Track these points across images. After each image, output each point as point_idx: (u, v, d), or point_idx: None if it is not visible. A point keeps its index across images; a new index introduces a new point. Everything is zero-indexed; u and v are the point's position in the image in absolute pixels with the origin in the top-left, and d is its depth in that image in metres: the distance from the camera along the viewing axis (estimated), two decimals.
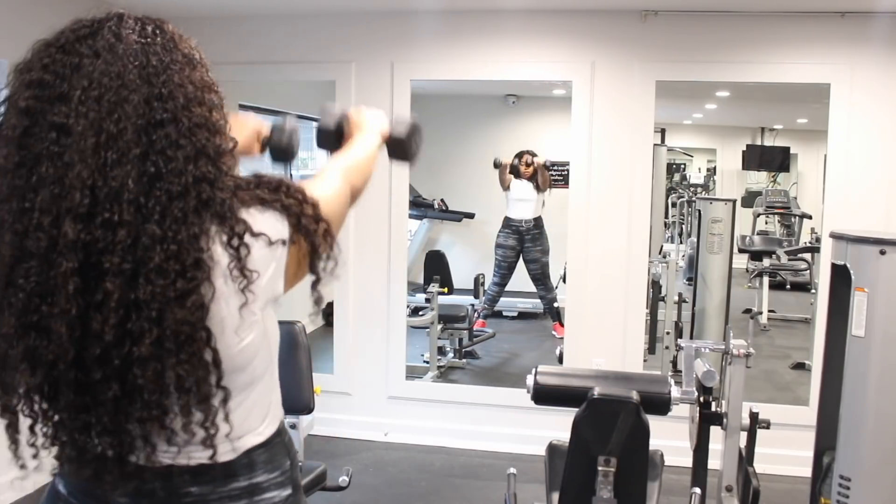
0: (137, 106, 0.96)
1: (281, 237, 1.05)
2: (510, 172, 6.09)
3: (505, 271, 6.12)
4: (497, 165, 6.07)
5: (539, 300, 6.26)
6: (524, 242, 6.06)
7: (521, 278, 6.17)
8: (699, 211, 5.05)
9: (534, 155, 6.05)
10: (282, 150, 1.41)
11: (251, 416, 1.11)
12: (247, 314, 1.02)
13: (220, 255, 0.99)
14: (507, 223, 6.07)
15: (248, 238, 1.00)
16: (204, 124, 1.01)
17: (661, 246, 6.20)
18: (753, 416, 2.55)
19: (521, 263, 6.14)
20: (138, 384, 0.96)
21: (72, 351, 0.95)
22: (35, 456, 1.04)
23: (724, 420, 2.57)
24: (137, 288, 0.94)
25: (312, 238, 1.07)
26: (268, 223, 1.03)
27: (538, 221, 6.06)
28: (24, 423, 1.03)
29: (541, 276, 6.09)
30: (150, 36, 1.02)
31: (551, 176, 6.28)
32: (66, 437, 1.02)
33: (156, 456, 1.04)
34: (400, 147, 1.45)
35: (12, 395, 1.01)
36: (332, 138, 1.44)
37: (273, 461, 1.13)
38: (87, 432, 1.00)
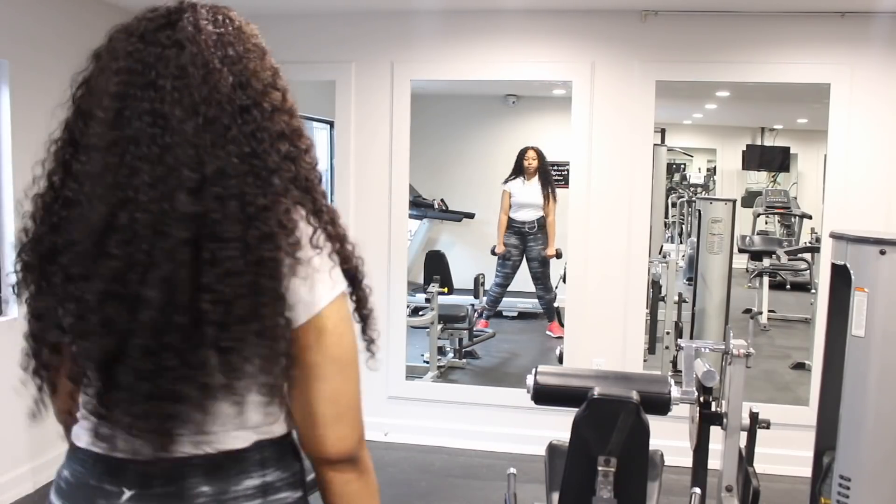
0: (227, 93, 1.04)
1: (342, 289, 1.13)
2: (513, 174, 6.09)
3: (509, 270, 6.12)
4: (494, 253, 6.20)
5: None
6: (527, 241, 6.09)
7: (521, 278, 6.17)
8: (699, 211, 5.05)
9: (537, 150, 6.05)
10: None
11: (271, 405, 1.11)
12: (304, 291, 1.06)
13: (304, 227, 1.06)
14: (511, 224, 6.09)
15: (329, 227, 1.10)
16: (281, 107, 1.09)
17: (661, 246, 6.19)
18: (753, 416, 2.55)
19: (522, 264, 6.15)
20: (235, 337, 1.01)
21: (159, 317, 0.98)
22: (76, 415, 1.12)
23: (724, 420, 2.57)
24: (248, 253, 1.00)
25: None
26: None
27: (541, 221, 6.08)
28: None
29: (541, 275, 6.09)
30: (222, 25, 1.08)
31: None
32: (110, 404, 1.04)
33: (176, 438, 1.04)
34: None
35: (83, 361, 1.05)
36: None
37: (284, 460, 1.13)
38: (132, 399, 1.02)
